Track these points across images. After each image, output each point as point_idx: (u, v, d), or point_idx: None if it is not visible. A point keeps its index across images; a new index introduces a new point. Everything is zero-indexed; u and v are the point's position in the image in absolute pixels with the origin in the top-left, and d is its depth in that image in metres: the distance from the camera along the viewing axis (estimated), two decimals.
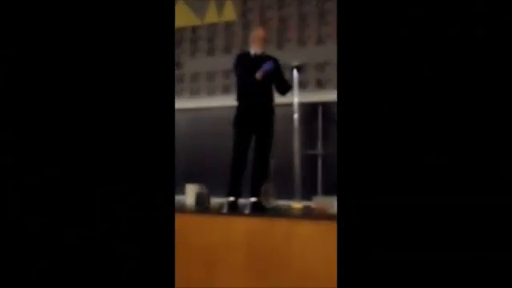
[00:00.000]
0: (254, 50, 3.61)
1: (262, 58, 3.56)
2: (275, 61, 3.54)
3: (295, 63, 3.63)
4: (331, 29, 4.21)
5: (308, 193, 3.63)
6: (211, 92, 4.63)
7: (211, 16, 4.67)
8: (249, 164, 3.55)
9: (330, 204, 3.34)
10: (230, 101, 3.75)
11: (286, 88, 3.66)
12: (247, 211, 3.34)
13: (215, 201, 3.63)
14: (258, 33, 3.67)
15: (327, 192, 3.86)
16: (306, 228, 2.84)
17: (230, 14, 4.62)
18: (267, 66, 3.41)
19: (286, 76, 3.69)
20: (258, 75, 3.43)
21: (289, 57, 3.92)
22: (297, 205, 3.48)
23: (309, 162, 3.96)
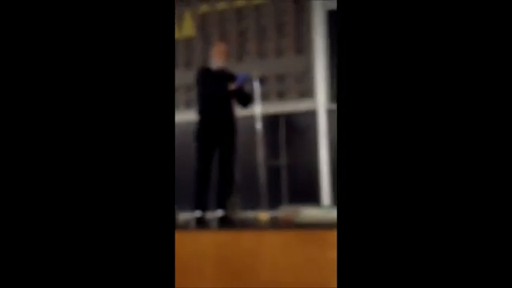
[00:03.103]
0: (216, 64, 3.65)
1: (222, 72, 3.61)
2: (247, 74, 3.59)
3: (256, 75, 3.66)
4: (289, 41, 4.30)
5: (273, 203, 3.68)
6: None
7: None
8: (214, 177, 3.57)
9: (296, 213, 3.39)
10: (192, 115, 3.77)
11: (247, 100, 3.70)
12: (214, 225, 3.35)
13: (182, 216, 3.63)
14: (219, 47, 3.71)
15: (292, 201, 3.92)
16: (273, 238, 2.88)
17: (189, 29, 4.65)
18: (243, 78, 3.48)
19: (247, 88, 3.73)
20: (234, 86, 3.48)
21: (249, 69, 3.96)
22: (263, 215, 3.51)
23: (273, 172, 4.01)
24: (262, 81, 3.70)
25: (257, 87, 3.65)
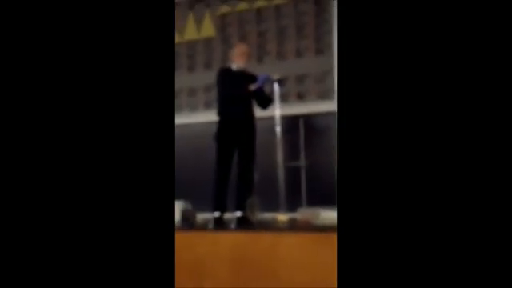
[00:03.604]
0: (237, 65, 3.65)
1: (243, 73, 3.61)
2: (267, 75, 3.59)
3: (276, 76, 3.65)
4: (309, 42, 4.28)
5: (292, 205, 3.66)
6: (193, 108, 4.65)
7: (190, 33, 4.70)
8: (233, 178, 3.57)
9: (315, 215, 3.37)
10: (212, 116, 3.78)
11: (267, 102, 3.69)
12: (233, 226, 3.35)
13: (201, 216, 3.63)
14: (241, 48, 3.72)
15: (311, 203, 3.89)
16: (292, 240, 2.86)
17: (208, 29, 4.66)
18: (263, 78, 3.48)
19: (267, 89, 3.72)
20: (254, 87, 3.48)
21: (268, 70, 3.95)
22: (282, 217, 3.50)
23: (292, 174, 3.99)
24: (282, 82, 3.69)
25: (276, 89, 3.63)
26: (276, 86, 3.64)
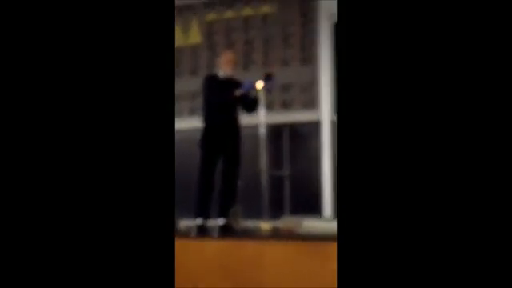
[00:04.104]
0: (223, 72, 3.66)
1: (230, 80, 3.63)
2: (252, 81, 3.60)
3: (263, 73, 3.66)
4: (295, 51, 4.31)
5: (275, 213, 3.67)
6: (178, 114, 4.63)
7: (177, 39, 4.70)
8: (216, 185, 3.57)
9: (298, 224, 3.39)
10: (196, 122, 3.77)
11: (252, 105, 3.68)
12: (216, 233, 3.35)
13: (184, 223, 3.62)
14: (227, 56, 3.73)
15: (294, 212, 3.91)
16: (275, 248, 2.87)
17: (195, 36, 4.67)
18: (249, 84, 3.49)
19: (252, 94, 3.69)
20: (238, 92, 3.49)
21: (254, 78, 3.96)
22: (265, 225, 3.51)
23: (275, 182, 4.00)
24: (270, 77, 3.63)
25: (269, 85, 3.59)
26: (269, 83, 3.59)
